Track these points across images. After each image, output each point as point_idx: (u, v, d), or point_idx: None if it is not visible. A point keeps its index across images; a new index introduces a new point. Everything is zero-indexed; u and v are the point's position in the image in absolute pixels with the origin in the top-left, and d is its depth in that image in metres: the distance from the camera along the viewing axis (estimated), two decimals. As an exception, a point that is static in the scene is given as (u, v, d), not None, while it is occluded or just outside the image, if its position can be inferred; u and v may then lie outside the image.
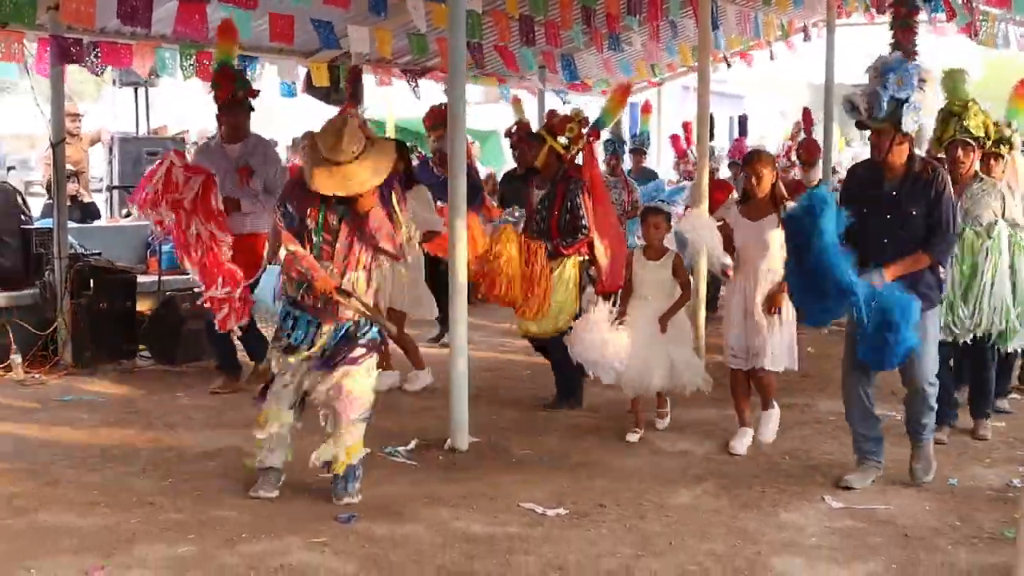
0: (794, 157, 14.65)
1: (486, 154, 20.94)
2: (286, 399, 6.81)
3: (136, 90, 15.95)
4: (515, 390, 9.74)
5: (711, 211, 9.50)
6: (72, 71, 11.27)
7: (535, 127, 10.75)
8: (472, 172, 9.98)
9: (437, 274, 10.02)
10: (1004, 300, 7.93)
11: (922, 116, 6.76)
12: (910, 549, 6.06)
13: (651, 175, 15.35)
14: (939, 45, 16.37)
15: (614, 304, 8.29)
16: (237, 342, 9.75)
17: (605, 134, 14.09)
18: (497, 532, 6.26)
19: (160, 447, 7.96)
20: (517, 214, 9.71)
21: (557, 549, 6.00)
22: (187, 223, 8.86)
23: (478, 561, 5.85)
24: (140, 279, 11.42)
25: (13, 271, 10.89)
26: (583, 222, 8.91)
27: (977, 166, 8.22)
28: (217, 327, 9.19)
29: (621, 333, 8.03)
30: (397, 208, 6.78)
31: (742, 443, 7.88)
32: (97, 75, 11.76)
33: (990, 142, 8.17)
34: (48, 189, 12.70)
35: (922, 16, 15.25)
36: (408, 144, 10.45)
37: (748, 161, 7.97)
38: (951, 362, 8.31)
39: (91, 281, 10.65)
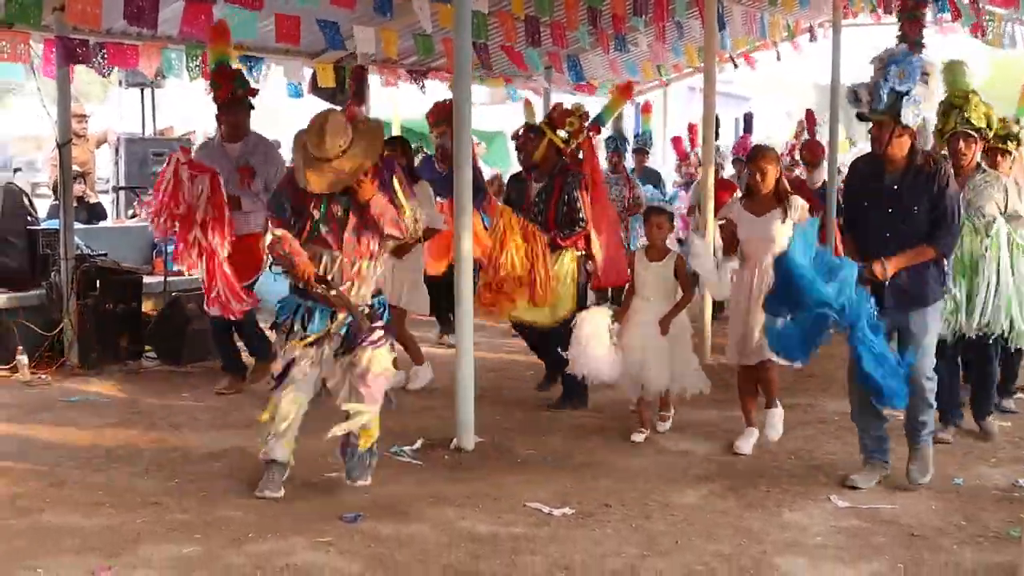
0: (797, 156, 14.63)
1: (492, 155, 20.94)
2: (304, 387, 6.78)
3: (142, 91, 15.97)
4: (519, 390, 9.74)
5: (715, 211, 9.52)
6: (79, 72, 11.28)
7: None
8: (476, 172, 9.97)
9: (439, 287, 10.05)
10: (1010, 299, 7.89)
11: (923, 110, 6.73)
12: (915, 549, 6.05)
13: (654, 175, 15.36)
14: (945, 44, 16.33)
15: (610, 302, 8.30)
16: (241, 344, 9.78)
17: (607, 131, 14.12)
18: (502, 532, 6.26)
19: (165, 447, 7.97)
20: None
21: (563, 549, 6.00)
22: (191, 230, 8.90)
23: (483, 561, 5.84)
24: (146, 280, 11.44)
25: (19, 272, 10.89)
26: (580, 215, 8.92)
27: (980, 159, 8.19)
28: (221, 317, 9.29)
29: (611, 347, 8.06)
30: (400, 191, 6.76)
31: (747, 443, 7.87)
32: (104, 76, 11.78)
33: (992, 133, 8.11)
34: (54, 190, 12.74)
35: (928, 16, 15.29)
36: (413, 145, 10.44)
37: (752, 158, 7.96)
38: (958, 360, 8.29)
39: (97, 282, 10.67)
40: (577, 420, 8.79)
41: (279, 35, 11.18)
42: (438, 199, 9.90)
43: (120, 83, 15.84)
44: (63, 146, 10.74)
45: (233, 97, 9.38)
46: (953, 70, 8.13)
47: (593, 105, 10.58)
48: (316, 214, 6.67)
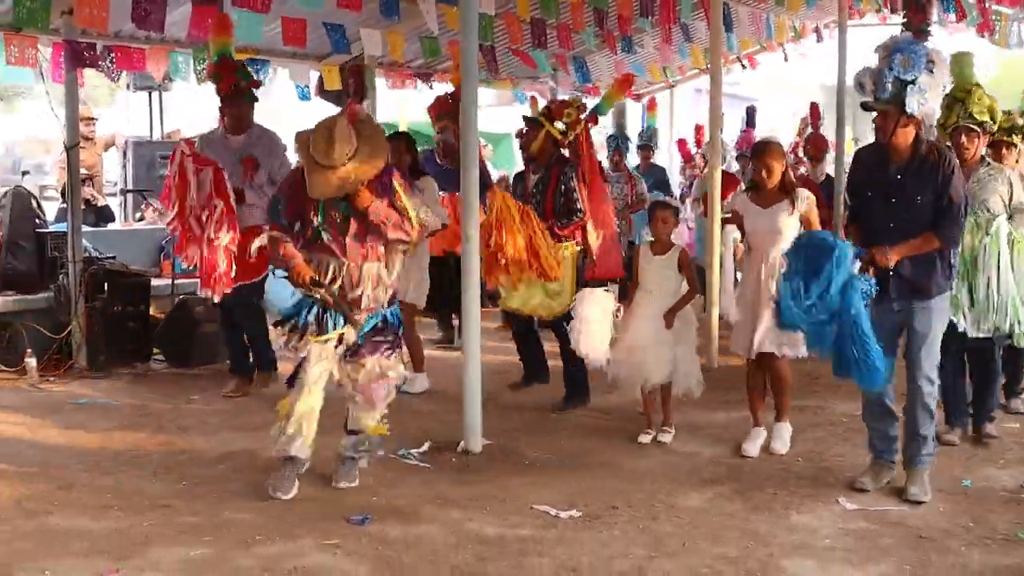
0: (801, 154, 14.60)
1: (499, 157, 20.94)
2: (319, 383, 6.79)
3: (150, 94, 16.00)
4: (526, 392, 9.72)
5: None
6: (86, 76, 11.29)
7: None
8: (483, 169, 9.97)
9: (440, 271, 10.02)
10: (1014, 298, 7.83)
11: (929, 99, 6.63)
12: (923, 551, 6.04)
13: (660, 172, 15.34)
14: (953, 44, 16.33)
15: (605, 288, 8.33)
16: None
17: (609, 129, 14.12)
18: (509, 534, 6.26)
19: (174, 450, 7.99)
20: None
21: (570, 551, 6.01)
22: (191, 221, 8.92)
23: (491, 563, 5.85)
24: (154, 282, 11.46)
25: (28, 275, 10.91)
26: (578, 205, 8.91)
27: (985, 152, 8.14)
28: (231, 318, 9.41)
29: (611, 330, 8.10)
30: (402, 193, 6.74)
31: (754, 445, 7.84)
32: (114, 81, 11.80)
33: (995, 126, 8.02)
34: (62, 193, 12.74)
35: (934, 16, 15.28)
36: (419, 148, 10.43)
37: (758, 154, 7.85)
38: (963, 358, 8.22)
39: (105, 284, 10.69)
40: (584, 422, 8.80)
41: (286, 38, 11.19)
42: (442, 193, 9.89)
43: (128, 86, 15.85)
44: (71, 149, 10.75)
45: (236, 89, 9.37)
46: (960, 62, 8.07)
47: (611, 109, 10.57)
48: (315, 220, 6.69)
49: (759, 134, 15.57)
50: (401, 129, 17.23)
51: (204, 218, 8.94)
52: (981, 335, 7.88)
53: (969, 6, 15.90)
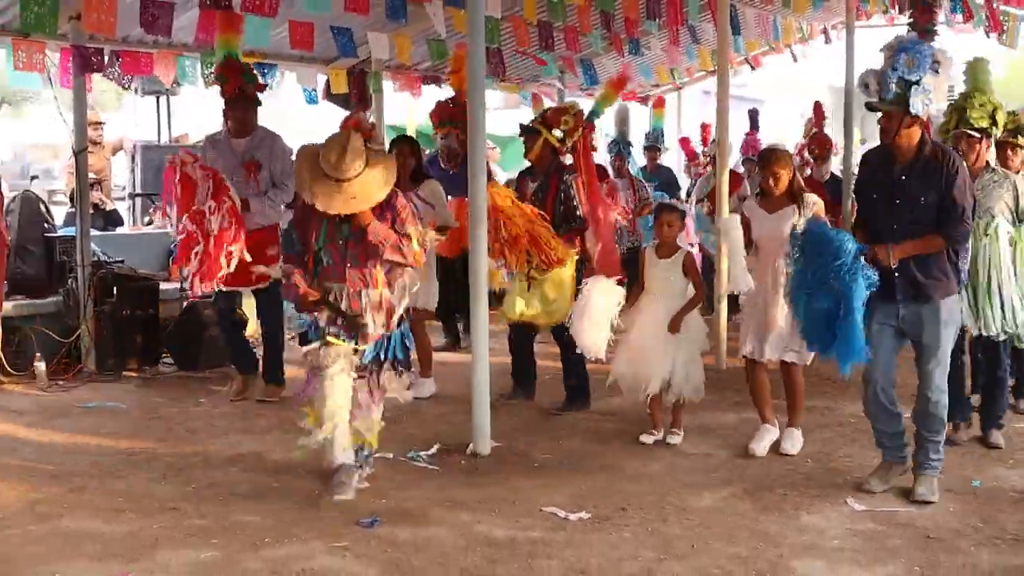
0: (807, 155, 14.54)
1: (507, 160, 20.93)
2: (342, 387, 6.75)
3: (158, 99, 16.03)
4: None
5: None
6: (94, 80, 11.31)
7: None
8: (488, 173, 9.96)
9: (446, 273, 10.02)
10: (1012, 299, 7.74)
11: (933, 99, 6.60)
12: (932, 551, 6.04)
13: (667, 173, 15.32)
14: (960, 44, 16.31)
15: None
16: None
17: (611, 135, 14.11)
18: (519, 536, 6.27)
19: (183, 453, 8.00)
20: None
21: (579, 553, 6.01)
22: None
23: (500, 565, 5.86)
24: (163, 286, 11.45)
25: (37, 279, 10.93)
26: (578, 212, 8.91)
27: (994, 158, 8.08)
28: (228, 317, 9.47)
29: (612, 325, 8.12)
30: (404, 216, 6.68)
31: (762, 444, 7.82)
32: (124, 88, 11.82)
33: (998, 130, 7.90)
34: (71, 197, 12.77)
35: (941, 18, 15.24)
36: (426, 150, 10.44)
37: (765, 163, 7.82)
38: (963, 356, 8.12)
39: (114, 288, 10.71)
40: (593, 424, 8.79)
41: (293, 42, 11.19)
42: (449, 197, 9.88)
43: (135, 91, 15.88)
44: (79, 153, 10.78)
45: (240, 92, 9.35)
46: (976, 68, 8.04)
47: (608, 109, 10.54)
48: (316, 244, 6.68)
49: (767, 136, 15.55)
50: (409, 131, 17.28)
51: (209, 216, 8.86)
52: (985, 334, 7.83)
53: (976, 7, 15.87)
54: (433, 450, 7.89)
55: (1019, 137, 8.22)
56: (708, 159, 14.26)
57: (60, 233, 11.45)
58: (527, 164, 9.34)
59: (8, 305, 10.30)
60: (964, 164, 6.87)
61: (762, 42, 18.19)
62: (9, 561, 5.92)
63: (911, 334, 6.79)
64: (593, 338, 8.18)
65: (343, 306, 6.69)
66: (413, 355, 7.26)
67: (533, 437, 8.36)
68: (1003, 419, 8.23)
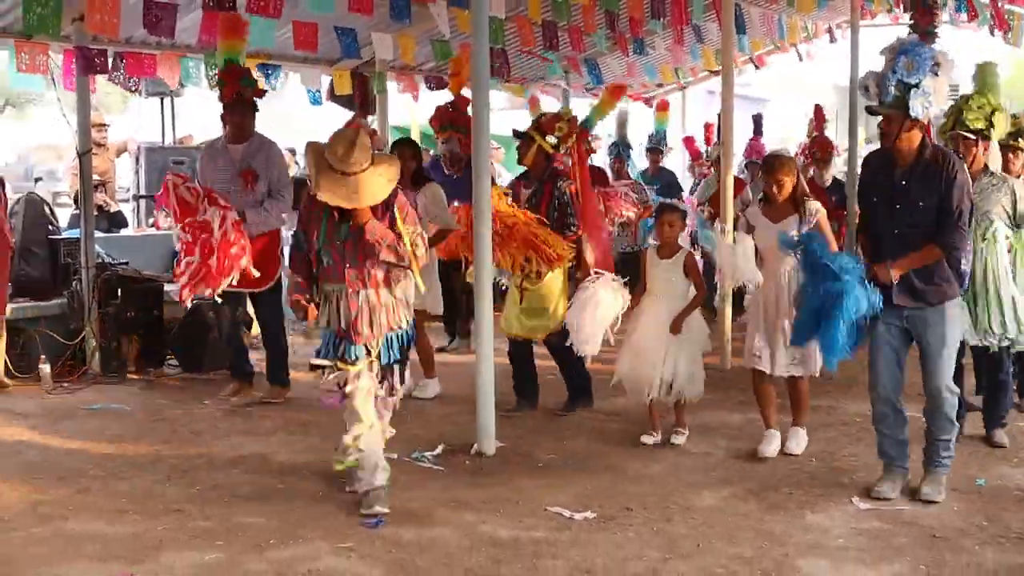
0: (811, 155, 14.47)
1: (511, 160, 20.91)
2: (365, 404, 6.66)
3: (162, 100, 16.02)
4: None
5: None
6: (98, 82, 11.31)
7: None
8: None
9: (447, 276, 10.01)
10: (1008, 304, 7.67)
11: (933, 102, 6.53)
12: (936, 550, 6.03)
13: (669, 175, 15.31)
14: (967, 44, 16.30)
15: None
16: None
17: (611, 138, 14.10)
18: (524, 536, 6.27)
19: (187, 455, 8.00)
20: None
21: (584, 553, 6.01)
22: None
23: (505, 565, 5.86)
24: (167, 288, 11.44)
25: (41, 281, 10.93)
26: (572, 220, 8.89)
27: (998, 160, 8.03)
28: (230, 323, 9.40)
29: (609, 325, 8.09)
30: (400, 217, 6.60)
31: (770, 447, 7.80)
32: (130, 91, 11.81)
33: (996, 132, 7.82)
34: (75, 199, 12.77)
35: (945, 17, 15.21)
36: (430, 151, 10.43)
37: (769, 170, 7.75)
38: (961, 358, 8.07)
39: (118, 290, 10.70)
40: (597, 424, 8.79)
41: (297, 42, 11.19)
42: (455, 203, 9.86)
43: (140, 93, 15.87)
44: (83, 155, 10.78)
45: (239, 97, 9.31)
46: (985, 71, 8.00)
47: (601, 119, 10.54)
48: (316, 244, 6.65)
49: (772, 136, 15.52)
50: (413, 130, 17.28)
51: (213, 224, 8.81)
52: (984, 343, 7.79)
53: (981, 6, 15.86)
54: (438, 450, 7.89)
55: (1020, 140, 8.18)
56: (711, 161, 14.22)
57: (64, 235, 11.45)
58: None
59: (12, 307, 10.32)
60: (965, 168, 6.83)
61: (767, 41, 18.19)
62: (12, 562, 5.93)
63: (916, 334, 6.76)
64: (589, 333, 8.14)
65: (341, 307, 6.65)
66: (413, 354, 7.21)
67: (537, 437, 8.36)
68: (1006, 418, 8.21)
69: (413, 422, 8.38)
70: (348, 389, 6.62)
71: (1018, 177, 8.08)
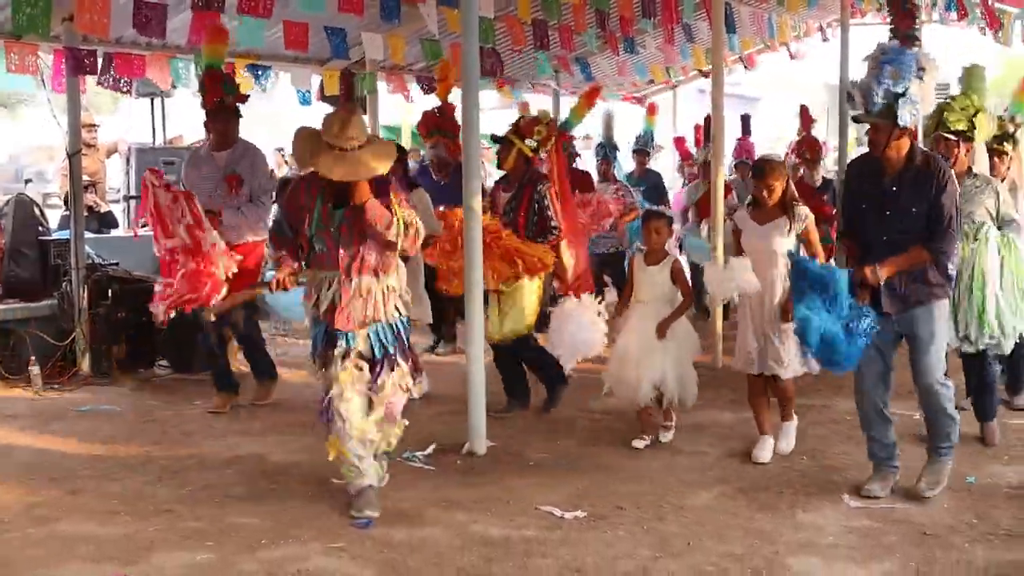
0: (801, 154, 14.44)
1: (502, 160, 20.93)
2: (356, 410, 6.60)
3: (152, 101, 16.03)
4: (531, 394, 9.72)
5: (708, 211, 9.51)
6: (88, 82, 11.30)
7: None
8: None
9: (432, 280, 9.99)
10: (992, 305, 7.66)
11: (920, 109, 6.51)
12: (927, 548, 6.05)
13: (656, 177, 15.32)
14: (956, 41, 16.34)
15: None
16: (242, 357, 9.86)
17: (596, 139, 14.10)
18: (515, 535, 6.27)
19: (178, 455, 7.99)
20: None
21: (575, 551, 6.02)
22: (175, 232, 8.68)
23: (496, 564, 5.86)
24: (157, 288, 11.42)
25: (31, 282, 10.92)
26: (553, 223, 8.88)
27: (985, 162, 8.01)
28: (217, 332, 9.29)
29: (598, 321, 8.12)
30: (395, 201, 6.53)
31: (764, 452, 7.77)
32: (121, 92, 11.79)
33: (980, 133, 7.81)
34: (65, 200, 12.75)
35: (935, 16, 15.25)
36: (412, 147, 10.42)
37: (760, 175, 7.71)
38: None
39: (109, 291, 10.69)
40: (588, 423, 8.79)
41: (287, 42, 11.19)
42: (440, 207, 9.81)
43: (130, 93, 15.86)
44: (73, 156, 10.77)
45: (221, 104, 9.18)
46: (972, 74, 7.99)
47: (578, 121, 10.54)
48: (309, 231, 6.57)
49: (762, 133, 15.51)
50: (404, 130, 17.28)
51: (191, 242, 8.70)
52: (968, 349, 7.80)
53: (971, 5, 15.90)
54: (429, 450, 7.89)
55: (1004, 144, 8.17)
56: (698, 165, 14.20)
57: (54, 236, 11.44)
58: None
59: (2, 308, 10.31)
60: (954, 175, 6.79)
61: (757, 40, 18.21)
62: (9, 564, 5.94)
63: (906, 333, 6.76)
64: (569, 343, 8.16)
65: (332, 291, 6.61)
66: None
67: (528, 437, 8.36)
68: (994, 413, 8.21)
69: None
70: (333, 392, 6.59)
71: (1003, 180, 8.08)
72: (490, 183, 12.13)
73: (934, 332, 6.68)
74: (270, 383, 9.59)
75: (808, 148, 13.56)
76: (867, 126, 6.68)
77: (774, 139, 26.51)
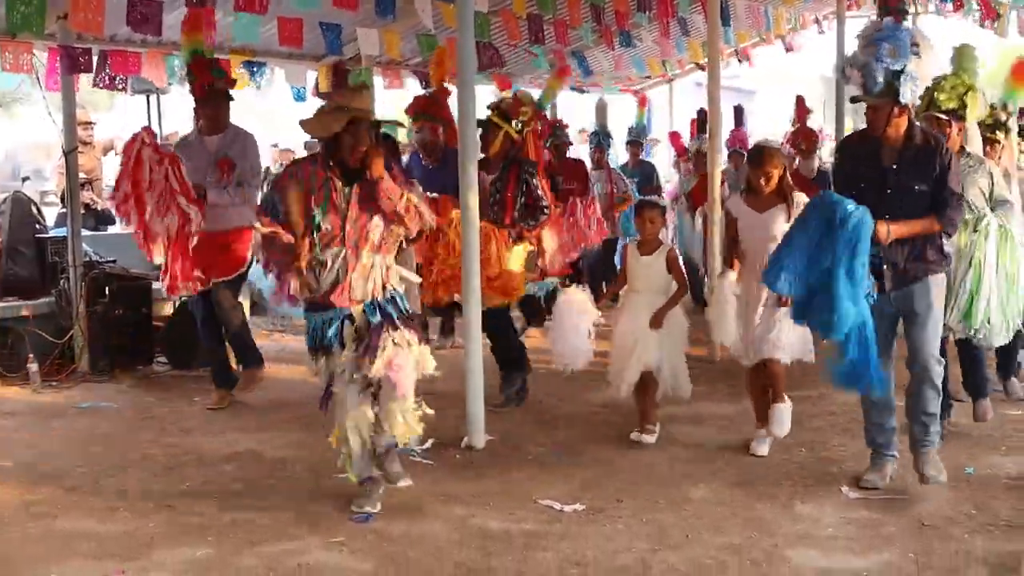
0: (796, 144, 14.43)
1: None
2: (353, 399, 6.58)
3: (148, 98, 16.00)
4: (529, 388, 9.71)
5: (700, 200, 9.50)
6: (83, 80, 11.29)
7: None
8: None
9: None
10: (983, 297, 7.53)
11: (920, 85, 6.49)
12: (926, 538, 6.05)
13: (649, 168, 15.32)
14: (952, 33, 16.32)
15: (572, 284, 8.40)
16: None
17: (590, 127, 14.09)
18: (514, 529, 6.28)
19: (177, 452, 8.00)
20: None
21: (574, 545, 6.02)
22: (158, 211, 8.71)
23: (495, 558, 5.87)
24: (155, 285, 11.41)
25: (29, 280, 10.91)
26: (543, 203, 8.90)
27: (978, 141, 7.98)
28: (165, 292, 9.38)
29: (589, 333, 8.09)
30: (398, 181, 6.54)
31: (764, 446, 7.76)
32: (116, 90, 11.78)
33: (971, 113, 7.72)
34: (62, 198, 12.75)
35: (932, 7, 15.25)
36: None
37: (758, 161, 7.64)
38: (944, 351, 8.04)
39: (106, 288, 10.69)
40: (586, 416, 8.80)
41: (282, 38, 11.18)
42: (432, 194, 9.78)
43: (126, 90, 15.83)
44: (69, 154, 10.76)
45: (210, 89, 9.16)
46: (962, 54, 7.98)
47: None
48: (317, 213, 6.48)
49: (760, 127, 15.51)
50: (400, 126, 17.21)
51: (165, 213, 8.74)
52: (959, 336, 7.76)
53: (967, -3, 15.93)
54: (427, 444, 7.86)
55: (997, 132, 8.15)
56: (691, 155, 14.22)
57: (52, 234, 11.43)
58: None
59: (0, 306, 10.31)
60: (953, 150, 6.80)
61: (753, 33, 18.21)
62: (9, 562, 5.95)
63: (903, 309, 6.69)
64: (570, 347, 8.16)
65: (337, 267, 6.54)
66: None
67: (527, 430, 8.37)
68: (986, 391, 8.24)
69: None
70: (335, 388, 6.59)
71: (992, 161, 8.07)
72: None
73: (931, 304, 6.65)
74: (256, 371, 9.49)
75: (803, 138, 13.54)
76: (864, 111, 6.64)
77: (770, 132, 26.49)
